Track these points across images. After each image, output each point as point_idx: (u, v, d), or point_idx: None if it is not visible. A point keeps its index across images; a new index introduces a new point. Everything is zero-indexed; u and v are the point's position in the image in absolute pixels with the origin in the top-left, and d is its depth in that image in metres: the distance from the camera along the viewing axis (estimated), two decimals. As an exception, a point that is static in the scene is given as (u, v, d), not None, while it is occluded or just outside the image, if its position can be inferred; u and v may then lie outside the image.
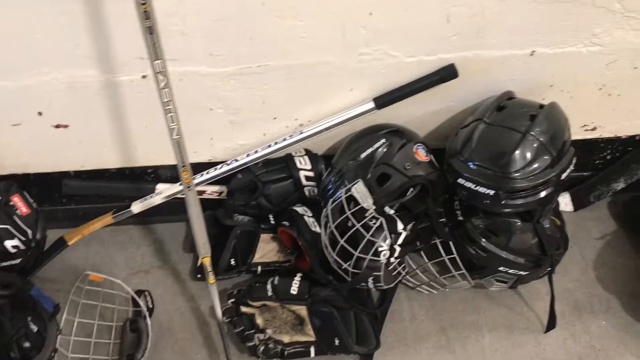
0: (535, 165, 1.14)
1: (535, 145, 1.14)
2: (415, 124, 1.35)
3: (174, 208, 1.40)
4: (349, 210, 1.19)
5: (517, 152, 1.13)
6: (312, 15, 1.12)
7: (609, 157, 1.50)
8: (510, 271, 1.27)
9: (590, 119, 1.40)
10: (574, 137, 1.40)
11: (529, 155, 1.14)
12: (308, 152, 1.38)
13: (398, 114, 1.32)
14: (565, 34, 1.20)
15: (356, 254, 1.17)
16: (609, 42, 1.21)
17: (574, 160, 1.20)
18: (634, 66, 1.26)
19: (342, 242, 1.18)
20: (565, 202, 1.55)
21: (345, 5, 1.11)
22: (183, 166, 0.99)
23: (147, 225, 1.57)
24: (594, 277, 1.43)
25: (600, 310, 1.37)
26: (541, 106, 1.21)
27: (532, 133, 1.15)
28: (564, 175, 1.17)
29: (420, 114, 1.34)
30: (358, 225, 1.16)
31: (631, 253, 1.47)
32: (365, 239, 1.16)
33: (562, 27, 1.18)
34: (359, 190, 1.19)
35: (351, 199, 1.20)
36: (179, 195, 1.37)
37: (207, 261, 1.17)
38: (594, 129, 1.42)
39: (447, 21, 1.15)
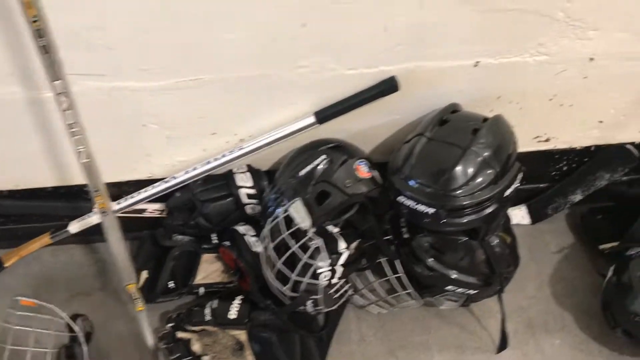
0: (477, 182, 1.09)
1: (477, 160, 1.09)
2: (360, 137, 1.30)
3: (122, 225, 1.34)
4: (288, 230, 1.13)
5: (457, 168, 1.08)
6: (242, 28, 1.07)
7: (565, 168, 1.46)
8: (459, 290, 1.23)
9: (543, 130, 1.35)
10: (527, 148, 1.37)
11: (470, 171, 1.08)
12: (250, 169, 1.32)
13: (342, 128, 1.27)
14: (509, 43, 1.15)
15: (292, 277, 1.11)
16: (556, 52, 1.17)
17: (520, 175, 1.15)
18: (584, 76, 1.22)
19: (279, 264, 1.13)
20: (522, 215, 1.50)
21: (276, 17, 1.06)
22: (96, 191, 0.93)
23: (90, 245, 1.51)
24: (550, 294, 1.39)
25: (554, 329, 1.33)
26: (485, 119, 1.16)
27: (473, 148, 1.09)
28: (508, 192, 1.12)
29: (365, 127, 1.29)
30: (294, 248, 1.11)
31: (588, 267, 1.42)
32: (302, 262, 1.10)
33: (507, 36, 1.14)
34: (297, 209, 1.14)
35: (290, 219, 1.15)
36: (118, 215, 1.32)
37: (132, 288, 1.11)
38: (547, 140, 1.37)
39: (384, 32, 1.10)
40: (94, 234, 1.41)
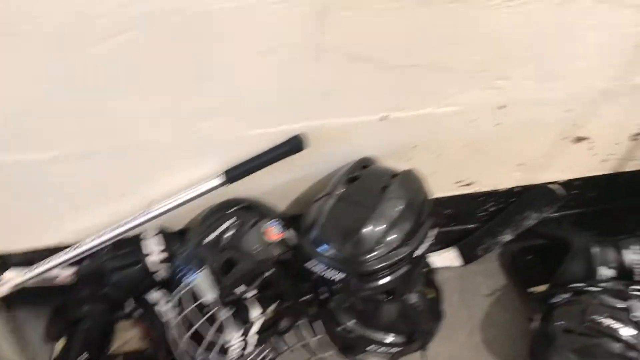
0: (387, 244, 1.04)
1: (385, 221, 1.05)
2: (276, 192, 1.26)
3: (35, 293, 1.28)
4: (195, 302, 1.08)
5: (365, 230, 1.04)
6: (130, 95, 1.02)
7: (492, 208, 1.43)
8: (381, 349, 1.19)
9: (464, 175, 1.32)
10: (450, 193, 1.34)
11: (379, 233, 1.04)
12: (162, 231, 1.27)
13: (258, 183, 1.21)
14: (417, 97, 1.12)
15: (198, 355, 1.06)
16: (466, 102, 1.13)
17: (433, 232, 1.11)
18: (497, 123, 1.19)
19: (184, 340, 1.07)
20: (452, 257, 1.47)
21: (166, 85, 1.01)
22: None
23: (8, 312, 1.43)
24: (480, 340, 1.35)
25: (484, 379, 1.30)
26: (395, 175, 1.12)
27: (382, 208, 1.05)
28: (419, 251, 1.08)
29: (281, 182, 1.24)
30: (198, 324, 1.05)
31: (520, 309, 1.39)
32: (207, 339, 1.05)
33: (414, 90, 1.10)
34: (202, 281, 1.09)
35: (196, 290, 1.10)
36: (29, 284, 1.26)
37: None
38: (469, 184, 1.34)
39: (283, 93, 1.06)
40: (11, 300, 1.36)
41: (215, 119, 1.09)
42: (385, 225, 1.05)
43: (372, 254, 1.04)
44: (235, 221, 1.16)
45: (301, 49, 0.98)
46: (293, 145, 1.13)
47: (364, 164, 1.17)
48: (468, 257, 1.47)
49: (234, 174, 1.16)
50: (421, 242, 1.08)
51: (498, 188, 1.36)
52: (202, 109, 1.07)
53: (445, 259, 1.46)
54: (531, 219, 1.40)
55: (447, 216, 1.42)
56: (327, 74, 1.03)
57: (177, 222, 1.30)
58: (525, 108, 1.16)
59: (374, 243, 1.04)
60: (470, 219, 1.45)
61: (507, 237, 1.43)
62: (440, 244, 1.47)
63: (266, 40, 0.96)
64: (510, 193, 1.38)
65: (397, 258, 1.05)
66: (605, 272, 1.27)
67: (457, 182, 1.33)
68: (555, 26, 1.02)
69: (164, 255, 1.24)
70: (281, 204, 1.28)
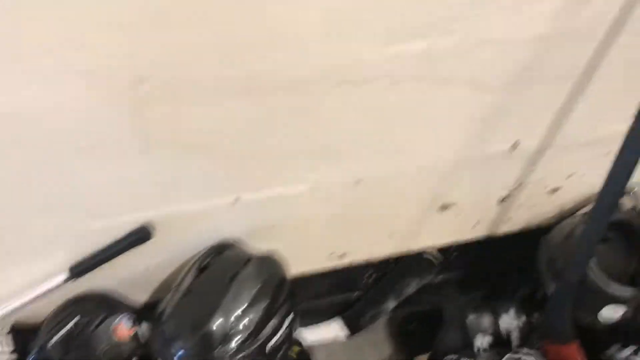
0: (235, 336, 1.00)
1: (232, 314, 1.00)
2: (133, 282, 1.19)
3: None
4: (34, 413, 1.01)
5: (210, 326, 0.99)
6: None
7: (374, 276, 1.40)
8: None
9: (335, 247, 1.29)
10: (325, 265, 1.31)
11: (225, 327, 0.99)
12: (14, 329, 1.18)
13: (111, 274, 1.15)
14: (265, 178, 1.08)
15: None
16: (318, 180, 1.11)
17: (290, 317, 1.07)
18: (356, 197, 1.16)
19: None
20: (337, 328, 1.43)
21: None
22: None
23: None
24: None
25: None
26: (248, 260, 1.08)
27: (229, 299, 1.01)
28: (272, 342, 1.04)
29: (137, 270, 1.18)
30: None
31: (406, 381, 1.36)
32: None
33: (259, 173, 1.07)
34: (41, 390, 1.02)
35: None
36: None
37: None
38: (342, 255, 1.31)
39: (117, 185, 1.01)
40: None
41: (51, 214, 1.03)
42: (232, 318, 1.01)
43: (221, 350, 0.99)
44: (80, 320, 1.09)
45: (124, 144, 0.94)
46: (140, 236, 1.08)
47: (220, 249, 1.12)
48: (353, 328, 1.43)
49: (79, 269, 1.09)
50: (274, 332, 1.04)
51: (372, 258, 1.34)
52: (35, 206, 1.01)
53: (330, 331, 1.42)
54: (411, 286, 1.37)
55: (328, 286, 1.38)
56: (159, 164, 0.99)
57: (33, 316, 1.21)
58: (381, 182, 1.15)
59: (220, 339, 0.99)
60: (353, 288, 1.42)
61: (390, 304, 1.40)
62: (324, 316, 1.43)
63: (85, 137, 0.92)
64: (388, 261, 1.36)
65: (244, 353, 1.00)
66: (482, 340, 1.25)
67: (330, 254, 1.30)
68: (391, 107, 1.00)
69: (13, 356, 1.15)
70: (140, 293, 1.22)
